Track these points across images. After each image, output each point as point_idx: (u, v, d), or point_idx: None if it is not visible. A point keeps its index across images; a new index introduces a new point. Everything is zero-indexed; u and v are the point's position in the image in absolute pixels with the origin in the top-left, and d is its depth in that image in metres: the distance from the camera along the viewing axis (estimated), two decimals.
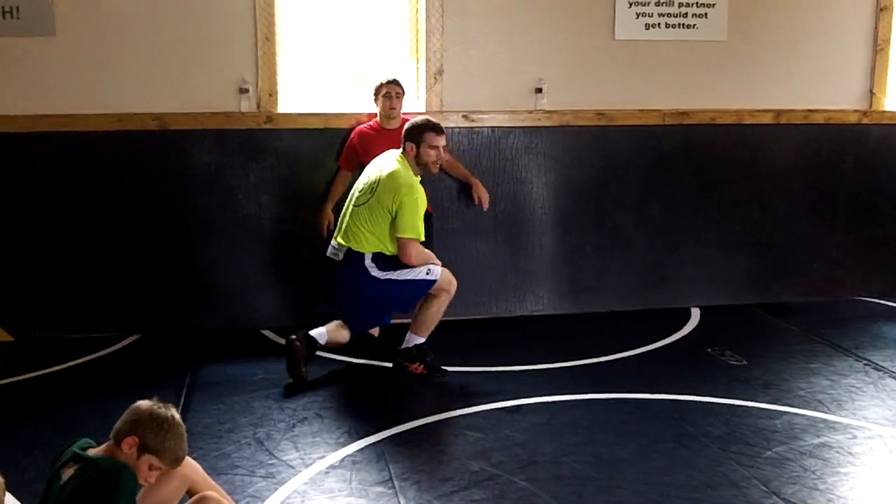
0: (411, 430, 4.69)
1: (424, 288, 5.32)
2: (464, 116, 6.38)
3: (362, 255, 5.30)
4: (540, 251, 6.69)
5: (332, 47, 6.42)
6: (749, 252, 7.05)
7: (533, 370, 5.58)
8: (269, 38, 6.11)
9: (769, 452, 4.41)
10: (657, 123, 6.73)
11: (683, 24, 6.76)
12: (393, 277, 5.29)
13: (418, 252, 5.31)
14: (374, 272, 5.29)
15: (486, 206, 6.22)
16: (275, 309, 6.36)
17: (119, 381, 5.35)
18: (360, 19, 6.44)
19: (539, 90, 6.51)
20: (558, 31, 6.56)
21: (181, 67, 6.04)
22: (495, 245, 6.60)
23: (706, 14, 6.78)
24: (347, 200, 5.49)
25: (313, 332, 5.44)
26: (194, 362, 5.68)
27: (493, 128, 6.46)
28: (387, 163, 5.37)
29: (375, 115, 6.06)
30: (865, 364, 5.74)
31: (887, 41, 7.07)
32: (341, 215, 5.50)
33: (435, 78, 6.41)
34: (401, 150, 5.38)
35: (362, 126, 6.08)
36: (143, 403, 3.17)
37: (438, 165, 5.42)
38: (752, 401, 5.10)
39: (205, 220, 6.17)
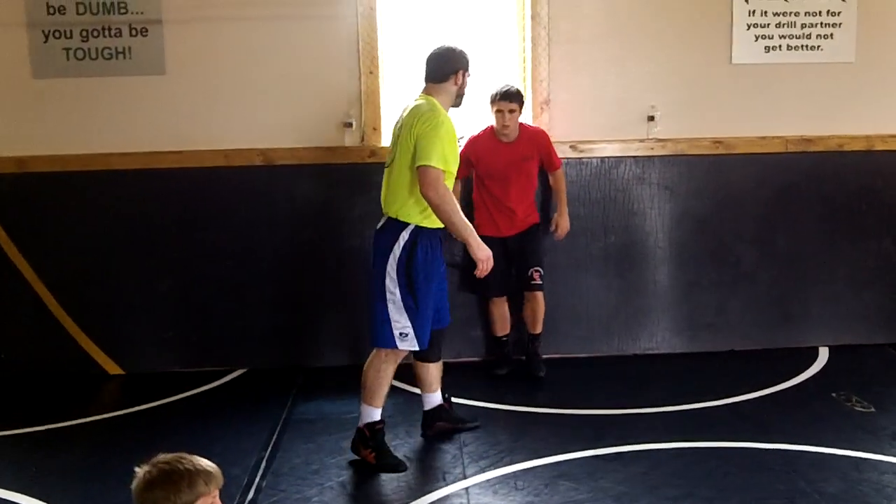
0: (500, 476, 4.50)
1: (389, 336, 4.59)
2: (571, 147, 6.19)
3: (400, 225, 4.55)
4: (654, 286, 6.42)
5: None
6: (883, 287, 6.58)
7: (639, 414, 5.31)
8: (373, 72, 6.06)
9: None
10: (780, 151, 6.37)
11: (807, 46, 6.38)
12: (392, 291, 4.55)
13: (443, 191, 4.37)
14: (395, 260, 4.52)
15: (560, 235, 6.00)
16: None
17: (217, 416, 5.35)
18: (467, 49, 6.30)
19: (651, 118, 6.25)
20: (671, 56, 6.29)
21: (285, 103, 6.05)
22: (606, 279, 6.37)
23: (832, 34, 6.39)
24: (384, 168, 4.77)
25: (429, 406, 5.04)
26: (294, 398, 5.64)
27: (602, 158, 6.25)
28: (410, 105, 4.67)
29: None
30: None
31: None
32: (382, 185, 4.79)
33: (542, 108, 6.23)
34: (423, 91, 4.70)
35: (477, 133, 5.98)
36: (138, 484, 2.75)
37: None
38: (876, 453, 4.69)
39: (311, 254, 6.18)
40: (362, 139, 6.12)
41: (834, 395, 5.58)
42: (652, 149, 6.27)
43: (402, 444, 4.91)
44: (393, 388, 5.68)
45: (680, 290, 6.44)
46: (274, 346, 6.26)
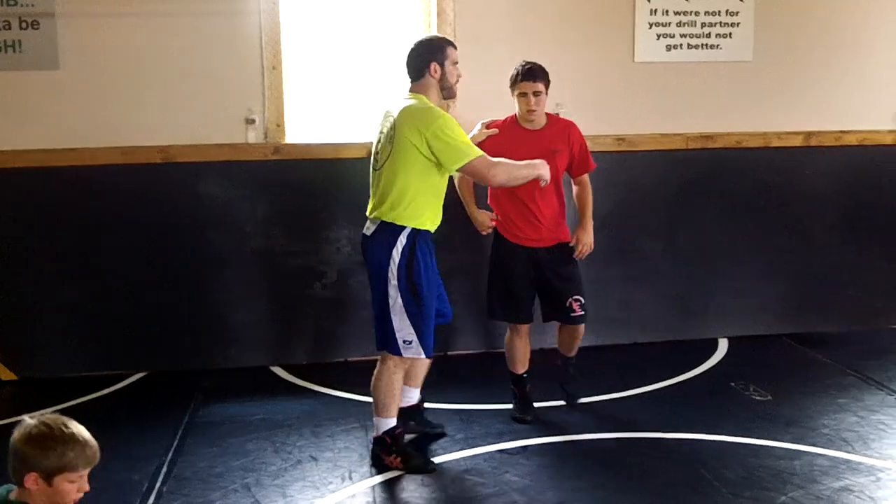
0: (407, 474, 4.48)
1: (393, 344, 4.45)
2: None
3: (396, 228, 4.38)
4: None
5: (341, 75, 6.28)
6: (781, 280, 6.75)
7: (545, 407, 5.35)
8: (276, 67, 5.99)
9: (784, 498, 4.14)
10: (681, 148, 6.48)
11: (707, 45, 6.51)
12: (393, 297, 4.38)
13: (501, 168, 4.37)
14: (395, 266, 4.35)
15: (582, 253, 5.10)
16: (285, 345, 6.22)
17: (116, 421, 5.20)
18: (370, 46, 6.29)
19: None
20: (575, 55, 6.35)
21: (186, 99, 5.93)
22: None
23: (731, 34, 6.53)
24: (371, 170, 4.61)
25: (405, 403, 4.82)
26: (196, 401, 5.54)
27: None
28: (397, 104, 4.46)
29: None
30: None
31: None
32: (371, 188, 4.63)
33: (447, 106, 6.22)
34: (409, 88, 4.54)
35: (497, 121, 5.22)
36: (22, 434, 2.76)
37: (458, 84, 4.60)
38: (772, 440, 4.82)
39: (213, 255, 6.06)
40: (266, 136, 6.04)
41: (733, 384, 5.70)
42: None
43: (308, 444, 4.86)
44: (303, 390, 5.71)
45: (586, 285, 6.47)
46: (177, 349, 6.12)
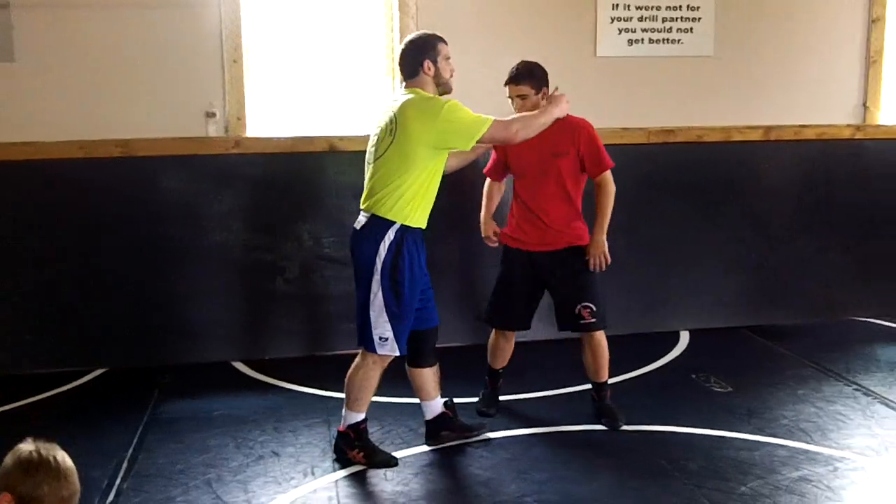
0: (369, 468, 4.47)
1: (370, 340, 4.40)
2: None
3: (386, 223, 4.35)
4: None
5: (303, 68, 6.25)
6: (741, 273, 6.81)
7: (506, 400, 5.35)
8: (237, 61, 5.96)
9: (744, 488, 4.18)
10: (642, 142, 6.50)
11: (668, 40, 6.58)
12: (375, 292, 4.34)
13: (517, 126, 4.43)
14: (380, 261, 4.31)
15: (592, 262, 4.88)
16: (246, 340, 6.18)
17: (75, 419, 5.16)
18: (334, 39, 6.27)
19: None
20: (538, 49, 6.28)
21: (146, 92, 5.90)
22: (479, 272, 6.39)
23: (691, 28, 6.59)
24: (366, 165, 4.55)
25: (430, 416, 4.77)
26: (157, 398, 5.50)
27: None
28: (397, 99, 4.46)
29: None
30: (856, 389, 5.50)
31: (880, 53, 6.86)
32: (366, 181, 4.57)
33: None
34: (404, 85, 4.50)
35: None
36: (14, 454, 2.77)
37: (453, 78, 4.55)
38: (733, 431, 4.86)
39: (173, 249, 5.99)
40: (227, 129, 6.00)
41: (694, 376, 5.75)
42: None
43: (270, 440, 4.84)
44: (265, 385, 5.68)
45: None
46: (137, 344, 6.06)
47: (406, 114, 4.30)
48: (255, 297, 6.14)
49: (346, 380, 4.54)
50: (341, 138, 6.06)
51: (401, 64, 4.52)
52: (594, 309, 4.85)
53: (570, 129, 4.84)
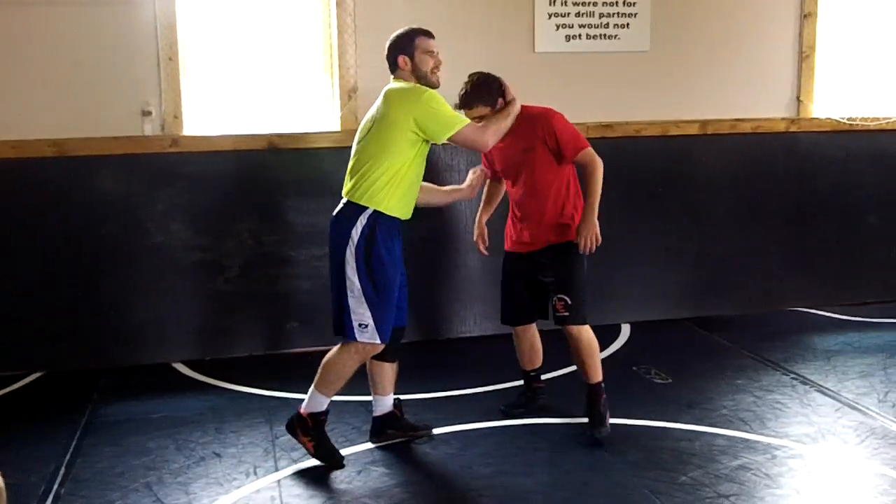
0: (313, 467, 4.45)
1: (349, 327, 4.36)
2: None
3: (359, 208, 4.32)
4: (466, 271, 6.49)
5: (242, 66, 6.19)
6: (680, 265, 6.89)
7: (451, 396, 5.38)
8: (172, 58, 5.88)
9: (684, 478, 4.22)
10: None
11: (605, 35, 6.61)
12: (351, 278, 4.30)
13: (483, 130, 4.42)
14: (353, 246, 4.27)
15: (582, 246, 4.72)
16: (187, 340, 6.11)
17: (11, 423, 5.07)
18: (271, 37, 6.22)
19: (459, 105, 6.30)
20: (476, 45, 6.37)
21: (80, 91, 5.79)
22: (419, 268, 6.38)
23: (628, 24, 6.63)
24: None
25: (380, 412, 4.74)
26: (96, 400, 5.42)
27: None
28: (382, 92, 4.45)
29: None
30: (793, 378, 5.59)
31: (812, 48, 6.95)
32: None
33: (349, 95, 6.21)
34: (393, 76, 4.51)
35: None
36: None
37: (439, 71, 4.48)
38: (673, 422, 4.92)
39: (111, 251, 5.92)
40: (163, 128, 5.92)
41: (635, 368, 5.81)
42: None
43: (212, 441, 4.79)
44: (206, 386, 5.62)
45: (489, 275, 6.52)
46: (74, 347, 5.96)
47: (387, 100, 4.35)
48: (195, 297, 6.08)
49: (323, 360, 4.47)
50: (280, 136, 6.04)
51: (386, 59, 4.55)
52: (568, 302, 4.71)
53: (534, 123, 4.74)
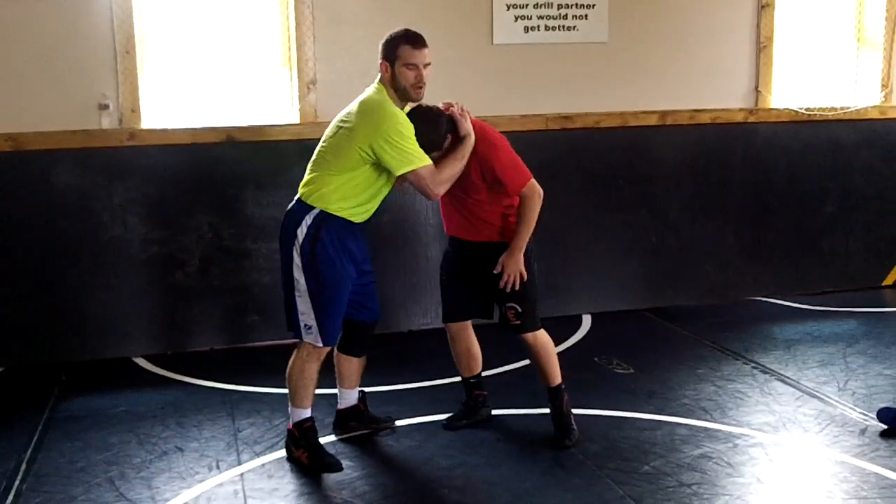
0: (275, 460, 4.44)
1: (297, 327, 4.32)
2: None
3: (306, 208, 4.21)
4: (426, 262, 6.49)
5: (200, 59, 6.14)
6: (640, 256, 6.95)
7: (411, 389, 5.39)
8: (129, 52, 5.82)
9: (646, 467, 4.26)
10: (540, 129, 6.58)
11: (563, 27, 6.63)
12: (297, 278, 4.23)
13: (436, 177, 4.14)
14: (298, 245, 4.19)
15: (504, 283, 4.43)
16: (147, 335, 6.07)
17: None
18: (229, 30, 6.17)
19: None
20: (435, 37, 6.13)
21: (36, 84, 5.71)
22: (380, 259, 6.37)
23: (586, 15, 6.65)
24: None
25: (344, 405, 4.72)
26: (56, 396, 5.36)
27: None
28: (363, 94, 4.28)
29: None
30: (753, 367, 5.65)
31: (770, 38, 7.02)
32: None
33: (308, 87, 6.18)
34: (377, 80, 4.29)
35: None
36: None
37: (421, 89, 4.23)
38: (634, 412, 4.96)
39: (68, 245, 5.86)
40: (120, 122, 5.87)
41: (596, 359, 5.84)
42: None
43: (174, 435, 4.76)
44: (167, 380, 5.58)
45: None
46: (33, 343, 5.91)
47: (357, 112, 4.18)
48: (155, 291, 6.03)
49: (287, 375, 4.40)
50: (239, 129, 6.00)
51: None
52: (518, 310, 4.48)
53: (474, 156, 4.32)
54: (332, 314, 4.29)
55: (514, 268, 4.39)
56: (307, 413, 4.38)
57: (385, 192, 4.34)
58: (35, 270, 5.82)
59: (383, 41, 4.26)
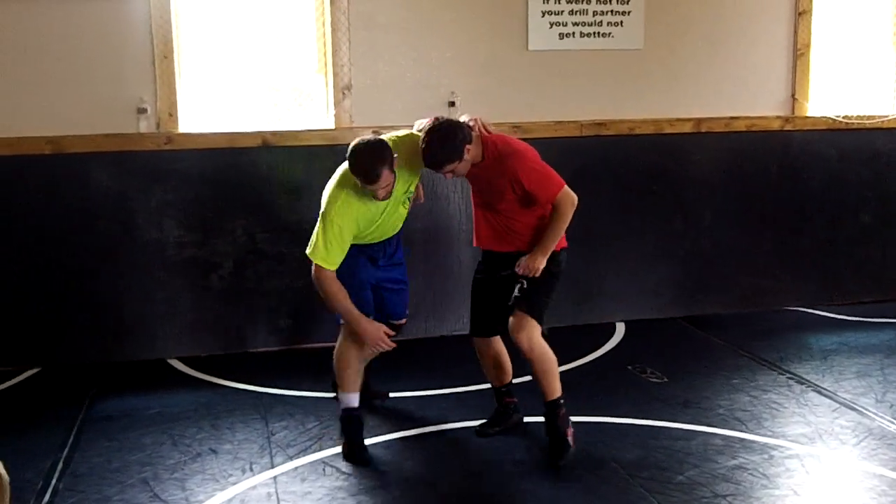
0: (309, 463, 4.46)
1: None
2: (374, 132, 6.15)
3: None
4: (459, 268, 6.49)
5: (236, 64, 6.18)
6: (674, 264, 6.91)
7: (446, 394, 5.38)
8: (167, 56, 5.87)
9: (681, 477, 4.24)
10: (575, 135, 6.56)
11: (598, 33, 6.61)
12: None
13: (324, 284, 4.32)
14: None
15: (519, 268, 4.44)
16: (181, 337, 6.11)
17: (8, 419, 5.08)
18: (265, 35, 6.21)
19: (452, 103, 6.31)
20: (470, 43, 6.38)
21: (76, 89, 5.78)
22: (411, 264, 6.37)
23: (621, 22, 6.63)
24: None
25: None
26: (92, 396, 5.41)
27: None
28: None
29: None
30: (789, 378, 5.60)
31: (807, 45, 6.96)
32: None
33: (343, 93, 6.20)
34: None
35: None
36: None
37: (388, 193, 4.33)
38: (669, 421, 4.93)
39: (105, 247, 5.92)
40: (158, 126, 5.91)
41: (630, 367, 5.81)
42: None
43: (207, 437, 4.79)
44: (201, 382, 5.61)
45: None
46: (70, 343, 5.97)
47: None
48: (189, 293, 6.08)
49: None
50: (274, 133, 6.03)
51: None
52: (525, 288, 4.45)
53: (501, 164, 4.36)
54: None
55: (534, 264, 4.37)
56: (353, 400, 4.58)
57: (381, 221, 4.51)
58: (72, 272, 5.89)
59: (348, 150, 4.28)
